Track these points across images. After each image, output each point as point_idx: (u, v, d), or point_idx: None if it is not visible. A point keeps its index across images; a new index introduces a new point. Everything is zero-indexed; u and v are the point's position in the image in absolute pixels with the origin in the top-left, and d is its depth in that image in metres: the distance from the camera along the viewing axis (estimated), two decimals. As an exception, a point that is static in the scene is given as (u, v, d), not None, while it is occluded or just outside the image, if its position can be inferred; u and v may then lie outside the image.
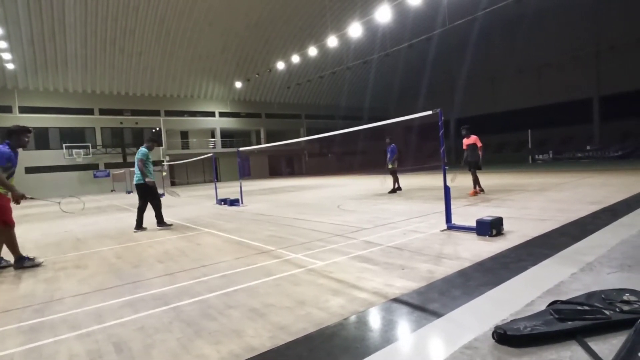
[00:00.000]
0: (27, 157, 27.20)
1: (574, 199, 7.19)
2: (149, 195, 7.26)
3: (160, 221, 7.35)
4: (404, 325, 2.32)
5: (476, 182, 9.14)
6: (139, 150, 7.26)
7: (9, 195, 4.57)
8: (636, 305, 2.10)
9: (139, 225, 7.24)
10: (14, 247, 4.70)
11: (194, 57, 31.14)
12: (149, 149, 7.28)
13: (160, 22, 27.42)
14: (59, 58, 26.37)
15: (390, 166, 11.27)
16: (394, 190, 11.12)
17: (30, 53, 25.22)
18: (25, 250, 6.08)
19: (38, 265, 4.79)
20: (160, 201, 7.43)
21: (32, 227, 9.37)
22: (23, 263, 4.73)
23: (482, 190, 9.24)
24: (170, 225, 7.43)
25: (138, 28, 27.13)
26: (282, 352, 2.10)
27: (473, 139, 9.08)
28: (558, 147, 28.22)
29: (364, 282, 3.20)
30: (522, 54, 32.96)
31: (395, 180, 11.25)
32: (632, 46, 27.22)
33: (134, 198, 18.48)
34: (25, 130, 4.76)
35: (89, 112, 29.38)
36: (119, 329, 2.62)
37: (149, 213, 7.29)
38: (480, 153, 8.99)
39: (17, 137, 4.65)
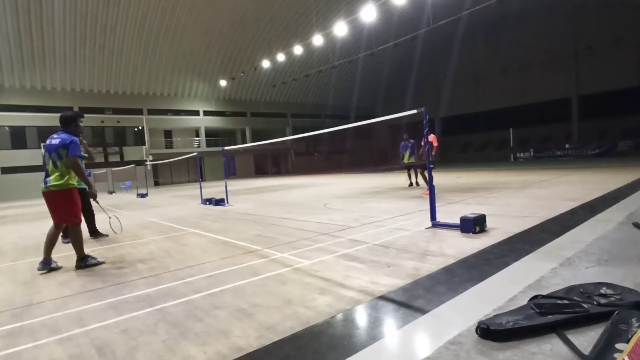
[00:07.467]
0: (3, 157, 26.35)
1: (554, 196, 7.38)
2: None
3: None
4: (390, 322, 2.35)
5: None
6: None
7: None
8: (613, 299, 2.18)
9: (94, 232, 6.57)
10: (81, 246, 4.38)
11: (177, 55, 30.63)
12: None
13: (142, 19, 26.85)
14: (36, 55, 25.55)
15: (412, 160, 11.61)
16: (416, 183, 11.85)
17: (5, 49, 24.37)
18: (2, 253, 5.91)
19: (101, 263, 4.42)
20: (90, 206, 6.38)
21: (8, 229, 9.09)
22: (86, 261, 4.34)
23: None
24: (106, 235, 6.55)
25: (119, 24, 26.52)
26: (270, 352, 2.09)
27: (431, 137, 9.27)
28: (538, 145, 28.95)
29: (351, 281, 3.22)
30: (505, 54, 33.62)
31: (410, 175, 11.95)
32: (609, 46, 28.05)
33: (115, 198, 18.12)
34: (79, 115, 4.45)
35: (68, 110, 28.54)
36: (101, 332, 2.56)
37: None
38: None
39: (75, 124, 4.35)
